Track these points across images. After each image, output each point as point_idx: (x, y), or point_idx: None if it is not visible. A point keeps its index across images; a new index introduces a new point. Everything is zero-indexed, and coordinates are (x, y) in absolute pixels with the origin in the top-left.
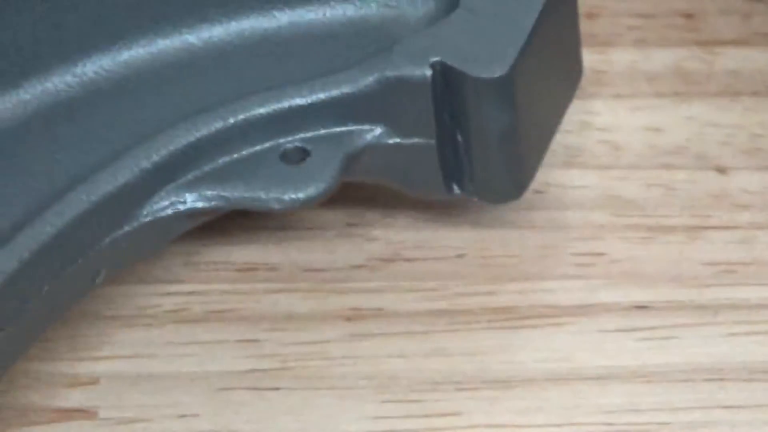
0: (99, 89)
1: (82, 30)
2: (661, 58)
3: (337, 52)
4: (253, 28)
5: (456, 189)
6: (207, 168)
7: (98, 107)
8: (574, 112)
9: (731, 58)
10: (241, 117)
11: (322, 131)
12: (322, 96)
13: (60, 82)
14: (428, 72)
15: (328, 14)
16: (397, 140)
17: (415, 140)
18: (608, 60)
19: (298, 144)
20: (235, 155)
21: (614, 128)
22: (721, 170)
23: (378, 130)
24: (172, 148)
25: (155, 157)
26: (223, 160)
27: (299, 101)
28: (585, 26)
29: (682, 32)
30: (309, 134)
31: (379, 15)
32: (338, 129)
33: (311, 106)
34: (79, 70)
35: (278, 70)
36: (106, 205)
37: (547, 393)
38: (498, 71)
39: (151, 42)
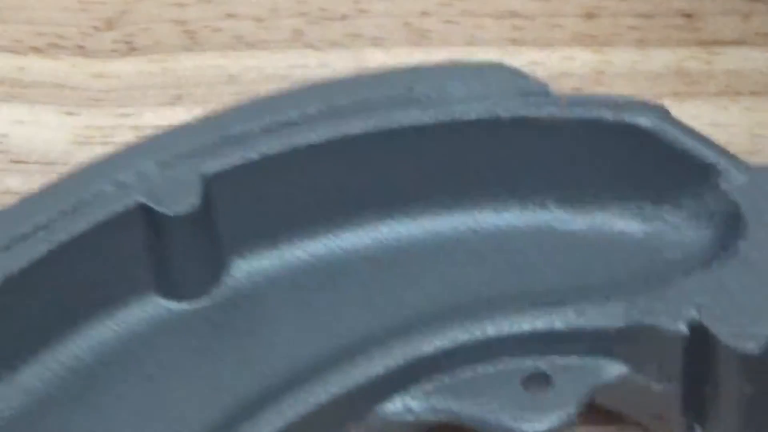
0: (341, 268)
1: (328, 208)
2: (661, 58)
3: (598, 259)
4: (527, 225)
5: (697, 429)
6: (443, 378)
7: (336, 289)
8: None
9: (731, 58)
10: (488, 332)
11: (568, 359)
12: (575, 324)
13: (304, 254)
14: (684, 329)
15: (596, 221)
16: (641, 380)
17: (660, 384)
18: (608, 60)
19: (542, 368)
20: (476, 369)
21: None
22: None
23: (623, 368)
24: (410, 356)
25: (392, 363)
26: (461, 372)
27: (551, 325)
28: (585, 26)
29: (682, 32)
30: (554, 359)
31: (652, 230)
32: (584, 359)
33: (562, 333)
34: (345, 237)
35: (537, 270)
36: (333, 407)
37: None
38: (754, 347)
39: (415, 221)
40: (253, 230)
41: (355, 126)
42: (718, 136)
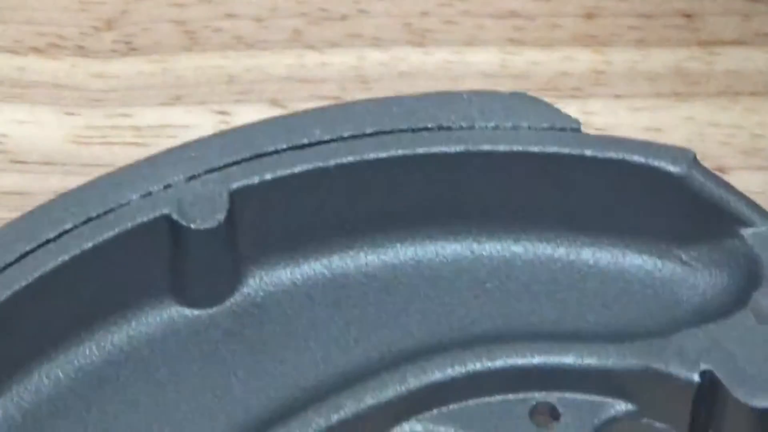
0: (355, 287)
1: (347, 227)
2: (661, 58)
3: (612, 295)
4: (542, 257)
5: None
6: (454, 406)
7: (348, 307)
8: (575, 113)
9: (731, 58)
10: (499, 363)
11: (576, 395)
12: (586, 362)
13: (321, 269)
14: (696, 378)
15: (613, 258)
16: (647, 421)
17: (666, 426)
18: (608, 60)
19: (550, 401)
20: (485, 399)
21: (614, 128)
22: (721, 170)
23: (630, 408)
24: (421, 383)
25: (403, 390)
26: (473, 401)
27: (563, 360)
28: (585, 26)
29: (682, 32)
30: (563, 394)
31: (668, 271)
32: (592, 396)
33: (573, 369)
34: (360, 257)
35: (550, 303)
36: (345, 429)
37: None
38: (766, 402)
39: (431, 245)
40: (273, 243)
41: (381, 150)
42: (718, 137)
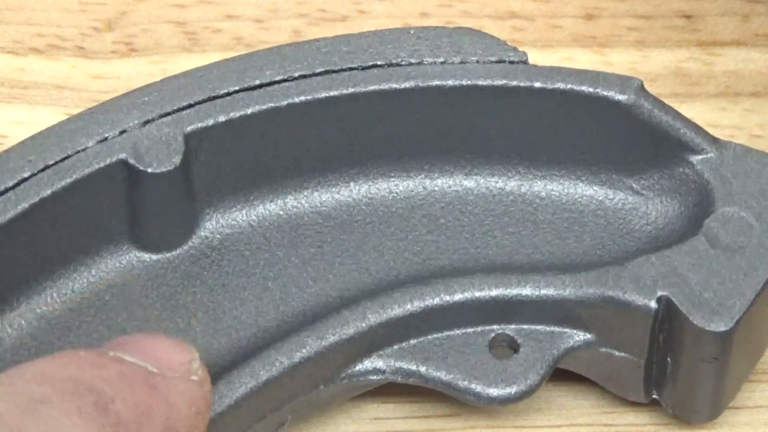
0: (311, 226)
1: (299, 167)
2: (660, 59)
3: (566, 226)
4: (495, 191)
5: (655, 395)
6: (414, 341)
7: (305, 247)
8: None
9: (731, 59)
10: (458, 297)
11: (535, 326)
12: (543, 293)
13: (276, 209)
14: (653, 305)
15: (565, 189)
16: (606, 350)
17: (624, 355)
18: (608, 61)
19: (509, 333)
20: (445, 332)
21: None
22: None
23: (589, 337)
24: (381, 319)
25: (363, 326)
26: (432, 335)
27: (522, 293)
28: (585, 27)
29: (682, 33)
30: (521, 326)
31: (620, 200)
32: (550, 327)
33: (530, 300)
34: (315, 196)
35: (506, 237)
36: (306, 368)
37: (547, 393)
38: (722, 326)
39: (384, 183)
40: (228, 185)
41: (332, 89)
42: (718, 137)
